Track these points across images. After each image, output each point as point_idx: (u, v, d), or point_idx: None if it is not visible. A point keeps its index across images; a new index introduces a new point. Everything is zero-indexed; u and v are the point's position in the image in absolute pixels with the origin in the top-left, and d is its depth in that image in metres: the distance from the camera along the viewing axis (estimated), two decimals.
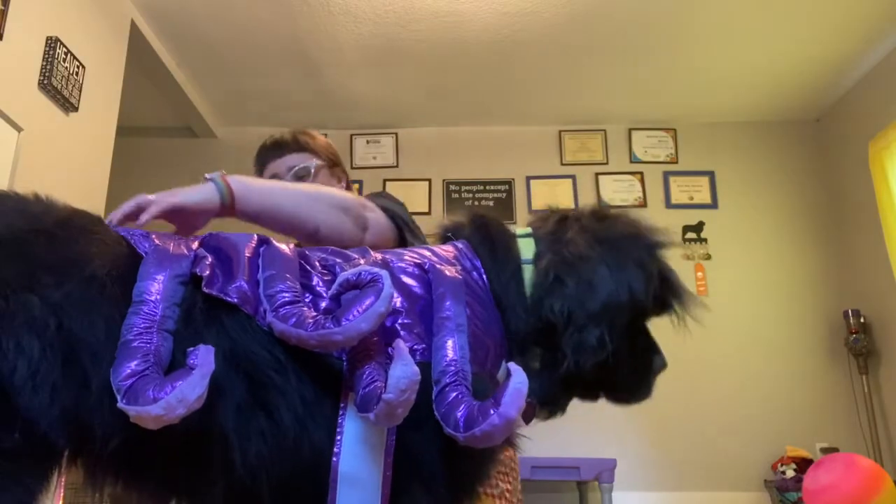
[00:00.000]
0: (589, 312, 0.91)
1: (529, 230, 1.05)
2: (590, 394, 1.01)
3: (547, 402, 0.99)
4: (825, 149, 4.20)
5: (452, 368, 0.84)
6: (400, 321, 0.90)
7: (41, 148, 2.47)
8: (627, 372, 0.97)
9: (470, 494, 0.94)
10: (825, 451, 3.58)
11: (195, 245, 0.89)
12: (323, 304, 0.87)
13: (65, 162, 2.63)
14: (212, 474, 0.82)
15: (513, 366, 0.83)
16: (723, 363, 3.80)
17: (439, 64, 3.70)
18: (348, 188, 1.66)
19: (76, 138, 2.72)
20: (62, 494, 2.19)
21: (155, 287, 0.80)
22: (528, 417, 0.98)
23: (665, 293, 0.97)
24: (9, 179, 2.28)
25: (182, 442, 0.80)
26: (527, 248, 1.01)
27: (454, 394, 0.82)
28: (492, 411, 0.78)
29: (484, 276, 0.99)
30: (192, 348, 0.77)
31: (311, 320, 0.80)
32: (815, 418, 3.79)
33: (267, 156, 1.63)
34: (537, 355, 0.97)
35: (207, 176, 1.13)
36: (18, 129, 2.35)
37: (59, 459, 0.79)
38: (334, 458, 0.83)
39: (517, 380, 0.80)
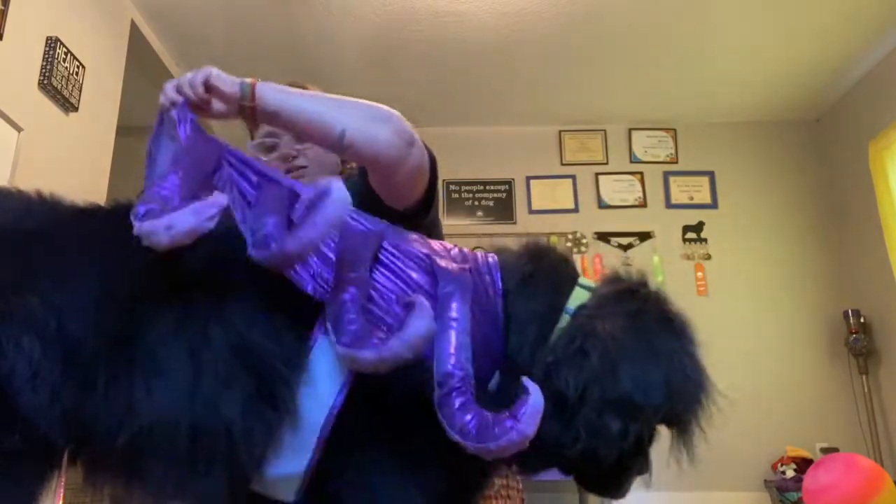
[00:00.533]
0: (606, 397, 0.85)
1: (593, 284, 0.98)
2: (564, 469, 0.94)
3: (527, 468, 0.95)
4: (825, 149, 4.20)
5: (459, 373, 0.82)
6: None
7: (41, 148, 2.47)
8: (607, 468, 0.91)
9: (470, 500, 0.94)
10: (825, 451, 3.58)
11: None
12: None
13: (65, 162, 2.63)
14: (215, 471, 0.82)
15: (529, 382, 0.82)
16: (722, 363, 3.79)
17: (439, 64, 3.70)
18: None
19: (76, 138, 2.71)
20: (62, 494, 2.19)
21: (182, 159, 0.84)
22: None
23: (673, 424, 0.92)
24: (9, 179, 2.28)
25: (186, 438, 0.80)
26: (577, 298, 0.94)
27: (461, 400, 0.81)
28: (509, 424, 0.77)
29: (498, 284, 0.95)
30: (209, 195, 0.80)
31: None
32: (815, 418, 3.78)
33: None
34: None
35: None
36: (18, 129, 2.35)
37: (60, 460, 0.79)
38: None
39: (536, 398, 0.80)
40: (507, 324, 0.92)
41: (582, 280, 0.98)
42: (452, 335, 0.86)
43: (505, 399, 0.85)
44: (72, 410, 0.75)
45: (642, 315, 0.91)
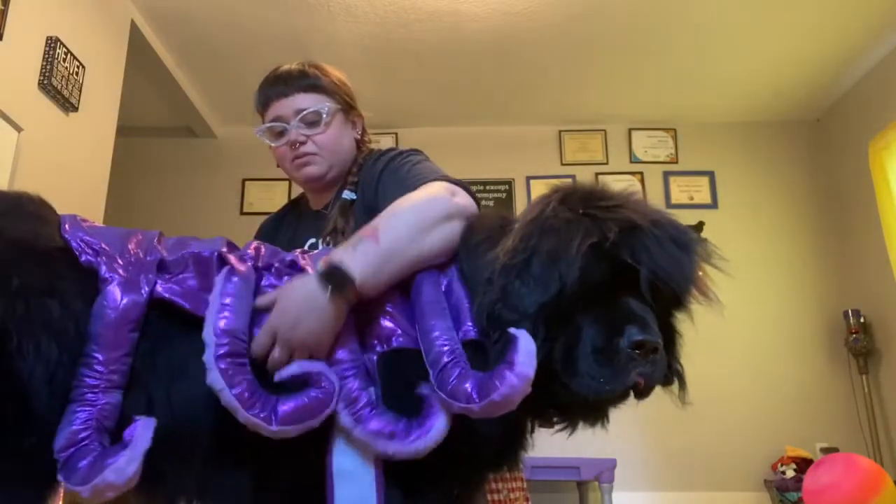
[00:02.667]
0: (518, 311, 0.83)
1: None
2: (560, 396, 0.87)
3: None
4: (825, 149, 4.20)
5: (447, 348, 0.84)
6: (388, 309, 0.91)
7: (41, 148, 2.46)
8: (585, 358, 0.82)
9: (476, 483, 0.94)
10: (825, 451, 3.58)
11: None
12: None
13: (65, 162, 2.63)
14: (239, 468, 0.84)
15: (513, 330, 0.82)
16: (723, 363, 3.80)
17: (439, 64, 3.70)
18: (364, 133, 1.45)
19: (76, 138, 2.71)
20: (62, 494, 2.19)
21: (108, 335, 0.78)
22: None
23: (629, 269, 0.82)
24: (9, 179, 2.28)
25: (208, 438, 0.82)
26: None
27: (457, 370, 0.82)
28: (507, 373, 0.78)
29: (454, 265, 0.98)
30: (135, 417, 0.76)
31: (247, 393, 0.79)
32: (815, 418, 3.78)
33: (271, 93, 1.37)
34: None
35: (321, 276, 0.90)
36: (18, 129, 2.35)
37: None
38: (328, 456, 0.83)
39: (525, 341, 0.80)
40: (471, 289, 0.94)
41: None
42: (431, 317, 0.87)
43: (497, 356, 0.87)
44: None
45: (541, 215, 0.88)
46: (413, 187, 1.09)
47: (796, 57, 3.64)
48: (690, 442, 3.74)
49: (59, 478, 0.73)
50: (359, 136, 1.43)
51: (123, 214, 3.45)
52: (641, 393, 0.87)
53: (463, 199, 1.06)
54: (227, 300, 0.83)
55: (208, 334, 0.80)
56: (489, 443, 0.88)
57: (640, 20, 3.32)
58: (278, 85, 1.37)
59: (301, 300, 0.86)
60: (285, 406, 0.78)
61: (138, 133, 4.19)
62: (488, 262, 0.89)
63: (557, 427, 0.95)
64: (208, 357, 0.78)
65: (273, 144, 1.36)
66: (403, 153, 1.29)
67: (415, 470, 0.84)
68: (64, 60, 2.58)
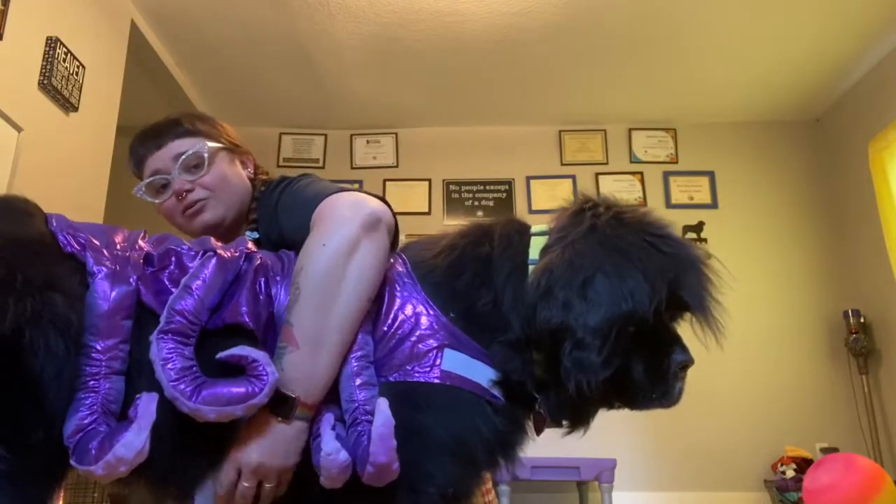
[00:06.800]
0: (587, 327, 0.84)
1: (545, 227, 0.97)
2: (605, 403, 0.94)
3: (561, 418, 0.96)
4: (825, 149, 4.20)
5: (354, 406, 0.87)
6: None
7: (41, 148, 2.46)
8: (639, 376, 0.88)
9: None
10: (825, 451, 3.58)
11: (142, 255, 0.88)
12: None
13: (65, 162, 2.63)
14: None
15: (380, 404, 0.84)
16: (722, 363, 3.80)
17: (439, 64, 3.70)
18: (256, 170, 1.34)
19: (76, 138, 2.71)
20: (62, 494, 2.19)
21: (102, 325, 0.79)
22: (539, 429, 0.97)
23: (680, 304, 0.89)
24: (9, 179, 2.28)
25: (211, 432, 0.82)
26: (537, 245, 0.95)
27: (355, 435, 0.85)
28: (367, 464, 0.81)
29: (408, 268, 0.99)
30: (137, 395, 0.77)
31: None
32: (815, 418, 3.78)
33: (143, 151, 1.25)
34: (541, 363, 0.91)
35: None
36: (18, 129, 2.35)
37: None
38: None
39: (379, 423, 0.82)
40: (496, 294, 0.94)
41: (534, 228, 0.99)
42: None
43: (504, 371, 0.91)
44: None
45: (596, 228, 0.91)
46: (312, 208, 1.01)
47: (796, 57, 3.64)
48: (690, 442, 3.74)
49: (72, 462, 0.74)
50: (251, 175, 1.32)
51: (123, 214, 3.45)
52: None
53: (372, 204, 0.97)
54: (195, 283, 0.84)
55: (163, 312, 0.81)
56: (489, 440, 0.88)
57: (641, 20, 3.32)
58: (151, 139, 1.26)
59: (256, 433, 0.84)
60: (211, 388, 0.78)
61: None
62: (540, 271, 0.89)
63: (564, 430, 0.97)
64: (154, 332, 0.79)
65: (157, 201, 1.24)
66: (293, 179, 1.19)
67: (413, 465, 0.84)
68: (64, 60, 2.58)
